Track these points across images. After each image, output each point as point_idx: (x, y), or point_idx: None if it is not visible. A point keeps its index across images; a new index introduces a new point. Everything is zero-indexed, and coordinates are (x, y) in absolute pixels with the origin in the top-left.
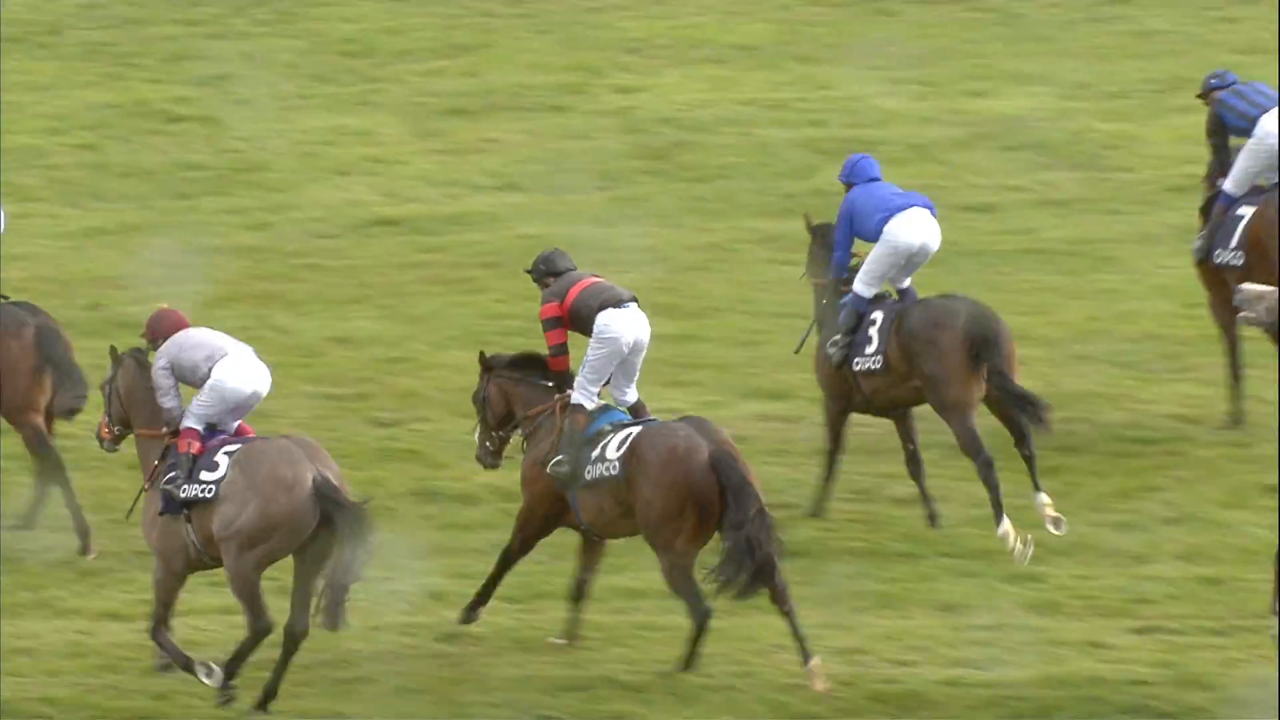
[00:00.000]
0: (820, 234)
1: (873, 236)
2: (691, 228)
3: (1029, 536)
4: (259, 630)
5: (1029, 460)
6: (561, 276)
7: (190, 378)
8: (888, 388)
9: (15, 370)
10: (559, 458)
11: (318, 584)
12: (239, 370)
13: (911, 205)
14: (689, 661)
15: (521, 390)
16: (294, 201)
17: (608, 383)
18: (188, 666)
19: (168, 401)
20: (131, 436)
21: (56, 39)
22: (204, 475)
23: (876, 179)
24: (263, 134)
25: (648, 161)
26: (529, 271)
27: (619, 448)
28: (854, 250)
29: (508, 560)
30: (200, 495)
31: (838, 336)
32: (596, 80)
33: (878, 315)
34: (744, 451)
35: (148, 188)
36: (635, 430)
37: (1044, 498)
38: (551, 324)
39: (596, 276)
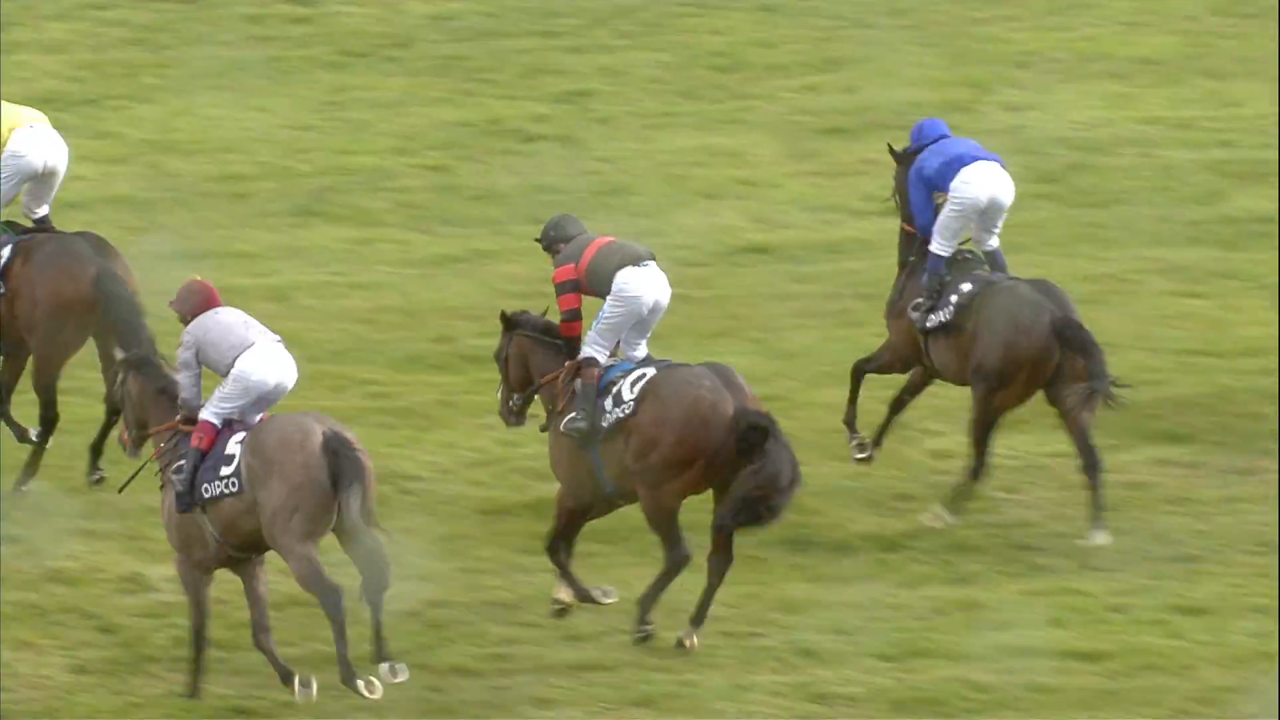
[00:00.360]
0: (907, 162)
1: (940, 187)
2: (1086, 256)
3: None
4: (334, 598)
5: (1094, 489)
6: (574, 240)
7: (216, 366)
8: (959, 366)
9: (62, 313)
10: (573, 414)
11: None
12: (264, 362)
13: (979, 158)
14: (646, 606)
15: (538, 354)
16: (659, 227)
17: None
18: (193, 673)
19: (187, 388)
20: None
21: (405, 52)
22: (224, 470)
23: (945, 136)
24: (625, 154)
25: (1040, 185)
26: (538, 240)
27: (634, 386)
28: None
29: (555, 550)
30: (225, 491)
31: (920, 300)
32: (984, 97)
33: (966, 286)
34: (1140, 500)
35: (501, 211)
36: (652, 371)
37: (1100, 537)
38: (567, 287)
39: (611, 237)
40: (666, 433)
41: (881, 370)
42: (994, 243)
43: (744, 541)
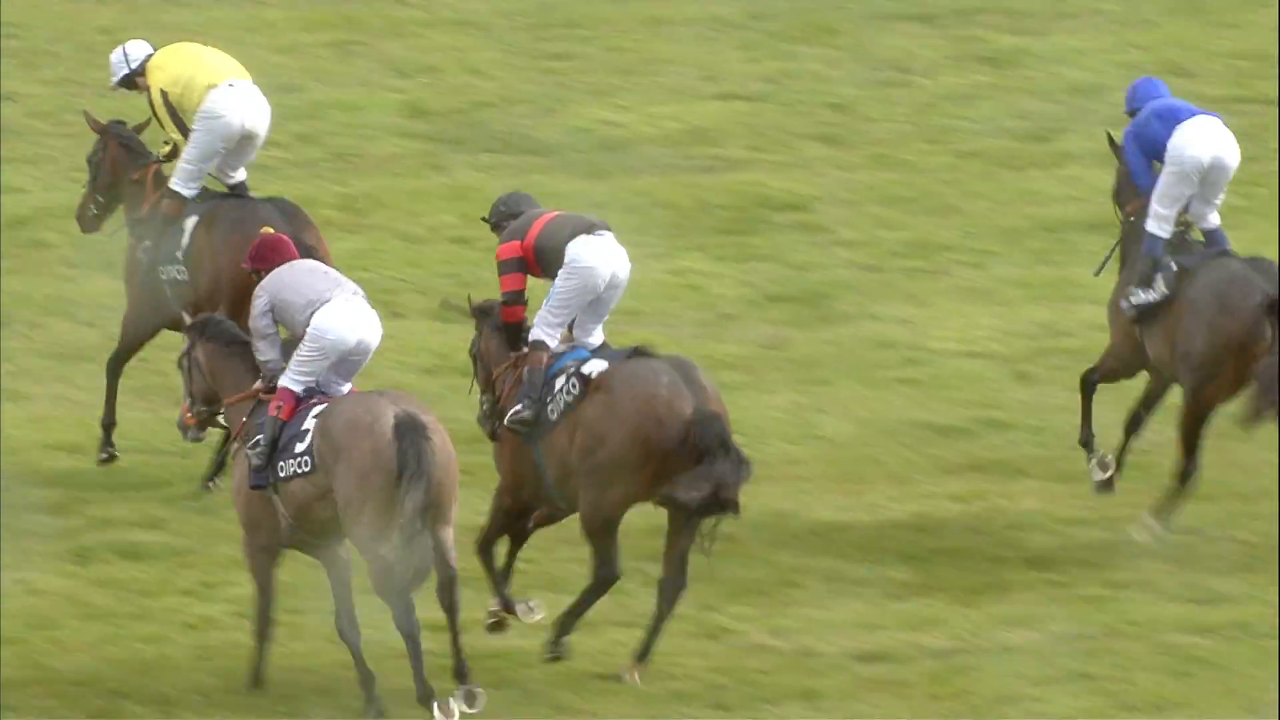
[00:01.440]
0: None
1: (1161, 152)
2: None
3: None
4: (405, 630)
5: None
6: (522, 215)
7: (292, 324)
8: (1170, 354)
9: (244, 287)
10: (518, 405)
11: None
12: (342, 317)
13: (1198, 114)
14: (562, 628)
15: (494, 345)
16: None
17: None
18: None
19: (266, 352)
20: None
21: None
22: (298, 447)
23: (1161, 96)
24: None
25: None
26: (486, 219)
27: (584, 375)
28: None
29: (485, 551)
30: (298, 471)
31: (1134, 287)
32: None
33: (1176, 264)
34: None
35: None
36: (608, 361)
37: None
38: (510, 266)
39: (560, 210)
40: (616, 429)
41: (1107, 378)
42: (1214, 219)
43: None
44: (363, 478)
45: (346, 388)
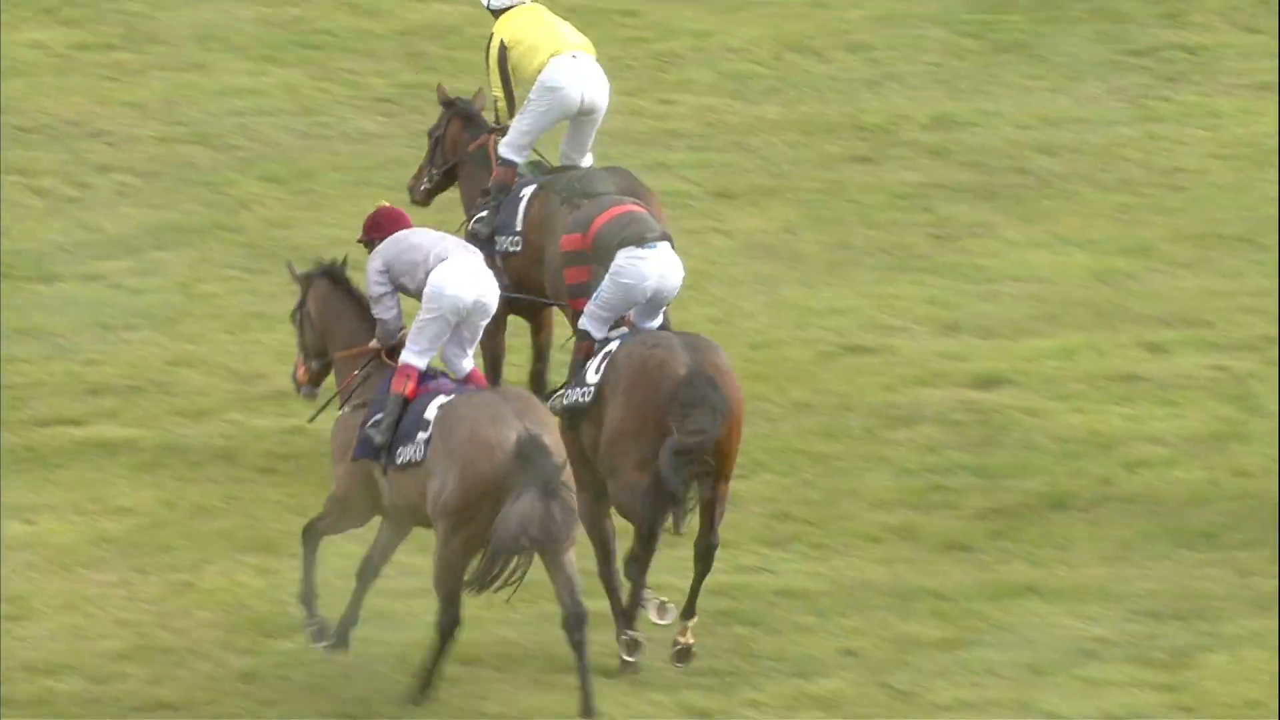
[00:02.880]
0: None
1: None
2: None
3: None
4: (445, 626)
5: None
6: (594, 200)
7: (409, 284)
8: None
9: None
10: (560, 392)
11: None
12: (459, 274)
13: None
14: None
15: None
16: None
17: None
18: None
19: (383, 310)
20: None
21: None
22: (419, 435)
23: None
24: None
25: None
26: (553, 190)
27: (600, 362)
28: None
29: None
30: (414, 459)
31: None
32: None
33: None
34: None
35: None
36: (619, 342)
37: None
38: (573, 259)
39: (630, 205)
40: (616, 400)
41: None
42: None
43: None
44: (467, 495)
45: (468, 363)
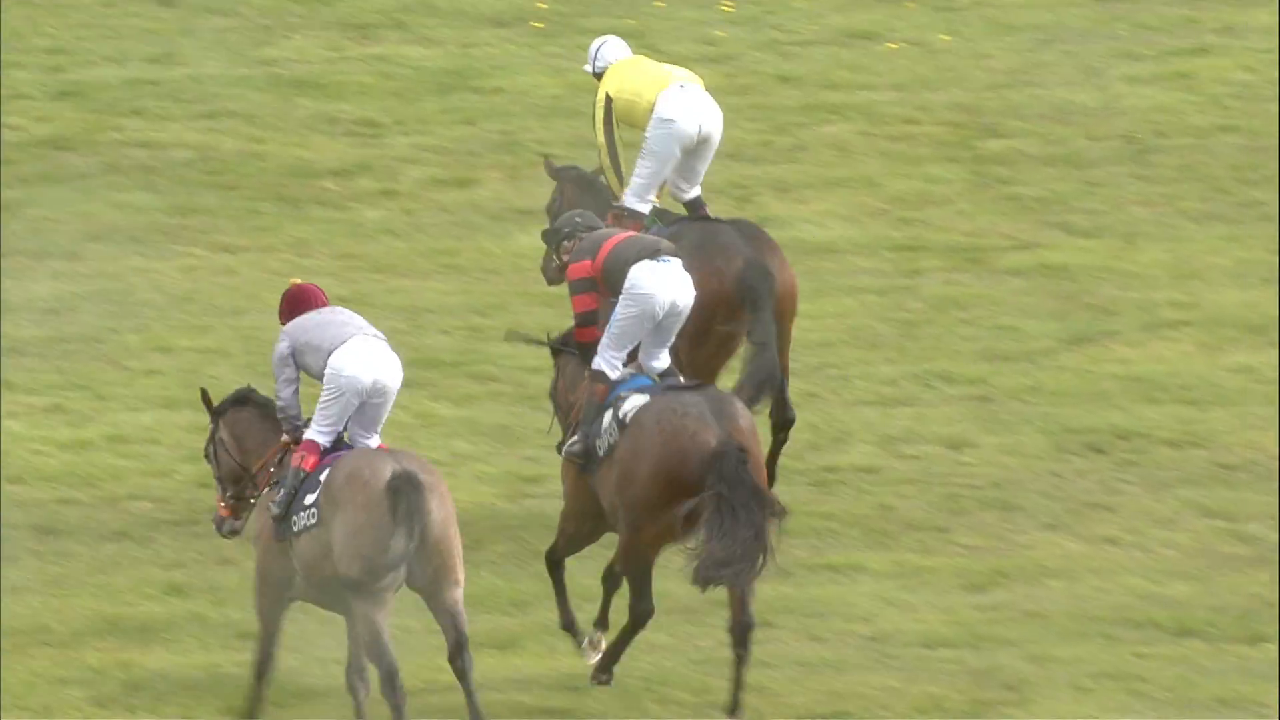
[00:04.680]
0: None
1: None
2: None
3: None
4: (386, 674)
5: None
6: (594, 233)
7: (313, 365)
8: None
9: (705, 314)
10: (574, 437)
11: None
12: (357, 356)
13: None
14: (607, 660)
15: (570, 370)
16: None
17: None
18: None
19: (284, 399)
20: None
21: None
22: (307, 499)
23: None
24: None
25: None
26: (551, 233)
27: (626, 413)
28: None
29: (553, 565)
30: (308, 524)
31: None
32: None
33: None
34: None
35: None
36: (647, 397)
37: None
38: (581, 286)
39: (634, 231)
40: (641, 466)
41: None
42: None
43: None
44: (353, 532)
45: (374, 441)
